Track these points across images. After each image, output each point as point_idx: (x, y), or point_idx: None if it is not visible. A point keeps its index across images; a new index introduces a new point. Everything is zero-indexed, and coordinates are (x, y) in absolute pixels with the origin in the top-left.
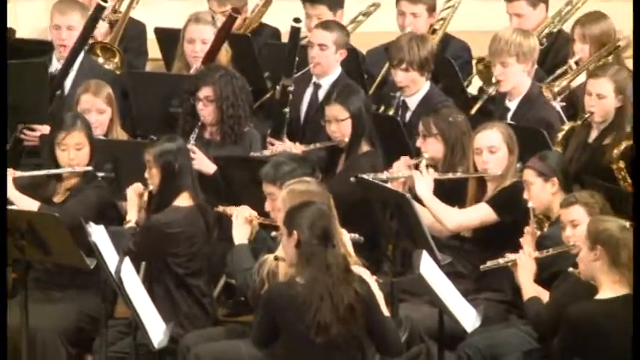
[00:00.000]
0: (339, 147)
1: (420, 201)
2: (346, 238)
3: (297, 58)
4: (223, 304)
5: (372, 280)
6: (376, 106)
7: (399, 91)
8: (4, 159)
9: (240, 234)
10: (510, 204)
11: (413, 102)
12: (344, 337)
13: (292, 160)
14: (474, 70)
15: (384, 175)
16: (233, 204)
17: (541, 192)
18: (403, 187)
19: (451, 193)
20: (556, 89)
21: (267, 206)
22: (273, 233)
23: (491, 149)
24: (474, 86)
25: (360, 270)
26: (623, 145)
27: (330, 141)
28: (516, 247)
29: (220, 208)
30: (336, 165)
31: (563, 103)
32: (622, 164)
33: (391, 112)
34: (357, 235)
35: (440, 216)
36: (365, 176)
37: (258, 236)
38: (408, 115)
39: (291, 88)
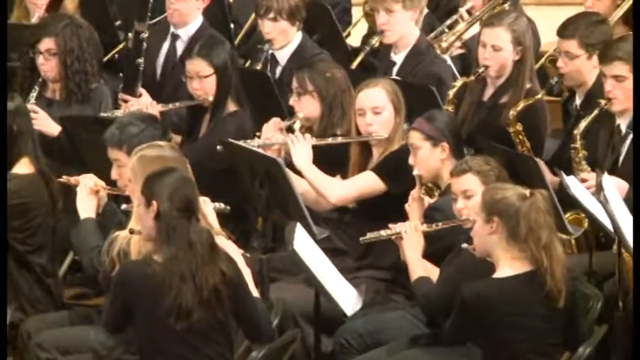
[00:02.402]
0: (203, 106)
1: (294, 169)
2: (209, 208)
3: (151, 1)
4: (70, 284)
5: (238, 256)
6: (243, 61)
7: (267, 43)
8: (5, 159)
9: (85, 207)
10: (400, 170)
11: (283, 55)
12: (207, 323)
13: (140, 120)
14: (362, 14)
15: (255, 142)
16: (81, 170)
17: (429, 158)
18: (278, 155)
19: (331, 159)
20: (444, 44)
21: (114, 174)
22: (124, 206)
23: (375, 110)
24: (354, 37)
25: (225, 243)
26: (521, 104)
27: (192, 100)
28: (403, 220)
29: (64, 178)
30: (199, 127)
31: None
32: (519, 127)
33: (259, 67)
34: (222, 205)
35: (321, 188)
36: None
37: (106, 209)
38: (279, 70)
39: (145, 35)
